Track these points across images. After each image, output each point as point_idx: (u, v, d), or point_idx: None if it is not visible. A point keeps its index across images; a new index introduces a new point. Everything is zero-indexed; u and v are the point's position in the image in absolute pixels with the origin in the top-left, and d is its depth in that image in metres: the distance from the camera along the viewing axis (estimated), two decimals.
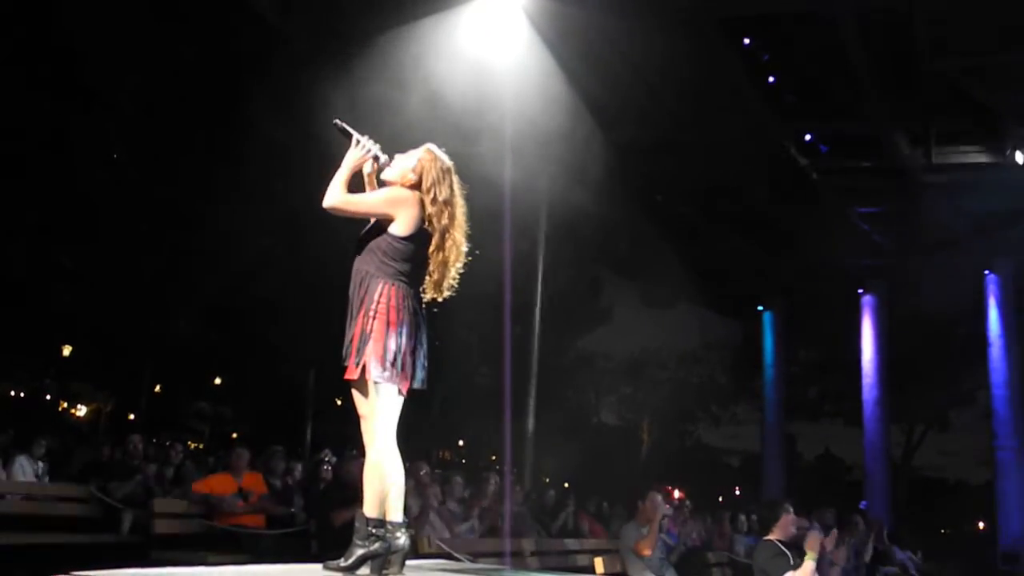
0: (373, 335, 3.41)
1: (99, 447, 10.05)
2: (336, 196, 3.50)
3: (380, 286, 3.46)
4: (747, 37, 12.12)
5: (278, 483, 8.25)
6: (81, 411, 29.03)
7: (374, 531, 3.43)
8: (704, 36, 11.50)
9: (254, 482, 7.58)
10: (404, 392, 3.51)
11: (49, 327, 18.99)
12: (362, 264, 3.53)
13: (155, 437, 16.91)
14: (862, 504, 17.34)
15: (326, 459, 9.96)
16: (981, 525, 27.83)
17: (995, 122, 13.69)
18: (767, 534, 6.25)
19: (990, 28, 11.44)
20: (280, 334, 16.49)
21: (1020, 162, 13.93)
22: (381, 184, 3.69)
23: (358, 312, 3.47)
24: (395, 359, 3.42)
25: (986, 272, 17.72)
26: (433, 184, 3.58)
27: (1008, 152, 14.08)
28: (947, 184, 14.98)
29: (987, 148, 14.50)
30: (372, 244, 3.54)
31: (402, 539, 3.46)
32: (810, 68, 12.94)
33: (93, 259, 16.40)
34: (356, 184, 3.64)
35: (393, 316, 3.44)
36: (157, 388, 26.02)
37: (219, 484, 7.42)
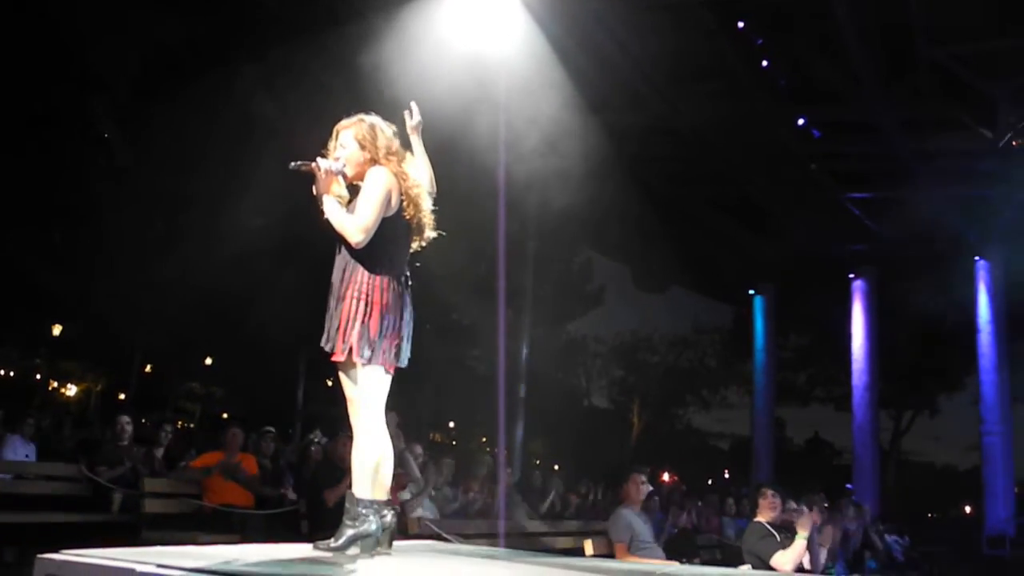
0: (359, 317, 3.42)
1: (89, 427, 10.05)
2: (355, 229, 3.44)
3: (363, 270, 3.46)
4: (741, 21, 12.08)
5: (268, 464, 8.27)
6: (71, 391, 28.99)
7: (364, 511, 3.44)
8: (697, 20, 11.47)
9: (246, 462, 7.60)
10: (391, 372, 3.53)
11: (39, 306, 18.94)
12: (346, 250, 3.52)
13: (145, 417, 16.89)
14: (848, 487, 17.46)
15: (316, 440, 9.97)
16: (968, 509, 28.05)
17: (988, 108, 13.69)
18: (754, 517, 6.32)
19: (984, 13, 11.43)
20: (271, 315, 16.47)
21: (1012, 148, 13.95)
22: (351, 188, 3.64)
23: (342, 297, 3.47)
24: (381, 340, 3.44)
25: (976, 259, 17.78)
26: (373, 141, 3.57)
27: (1000, 139, 14.08)
28: (939, 170, 15.00)
29: (979, 134, 14.51)
30: None
31: (388, 517, 3.49)
32: (804, 53, 12.91)
33: (84, 238, 16.35)
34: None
35: (377, 297, 3.44)
36: (148, 368, 26.01)
37: (213, 462, 7.44)
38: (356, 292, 3.44)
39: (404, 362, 3.56)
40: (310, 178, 3.56)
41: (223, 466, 7.38)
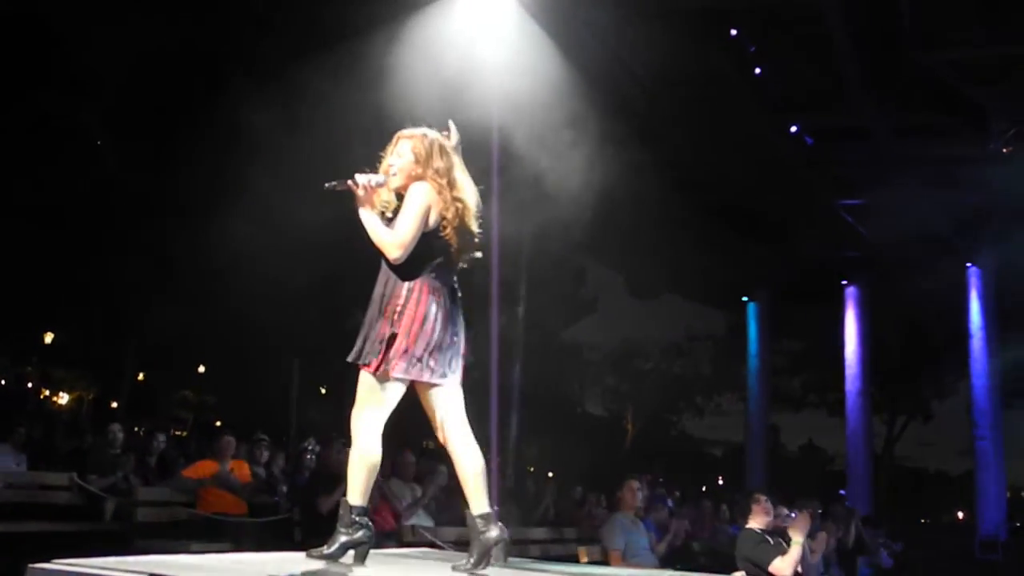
0: (397, 330, 3.40)
1: (81, 435, 10.02)
2: (393, 245, 3.42)
3: (406, 284, 3.44)
4: (734, 28, 12.13)
5: (262, 471, 8.25)
6: (63, 399, 28.88)
7: (358, 519, 3.43)
8: (690, 28, 11.50)
9: (239, 470, 7.58)
10: (456, 379, 3.53)
11: (31, 314, 18.87)
12: (387, 265, 3.50)
13: (138, 425, 16.84)
14: (841, 493, 17.49)
15: (310, 447, 9.95)
16: (960, 515, 28.13)
17: (979, 115, 13.76)
18: (746, 524, 6.32)
19: (975, 21, 11.50)
20: (265, 322, 16.44)
21: (1003, 155, 14.01)
22: (398, 196, 3.63)
23: (382, 312, 3.45)
24: (418, 354, 3.40)
25: (968, 265, 17.84)
26: (428, 158, 3.55)
27: (992, 146, 14.15)
28: (930, 177, 15.06)
29: (971, 141, 14.57)
30: None
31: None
32: (797, 60, 12.97)
33: (74, 245, 16.29)
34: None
35: (414, 311, 3.41)
36: (140, 376, 25.93)
37: (207, 470, 7.42)
38: (396, 306, 3.42)
39: (452, 376, 3.54)
40: (349, 195, 3.53)
41: (216, 475, 7.36)
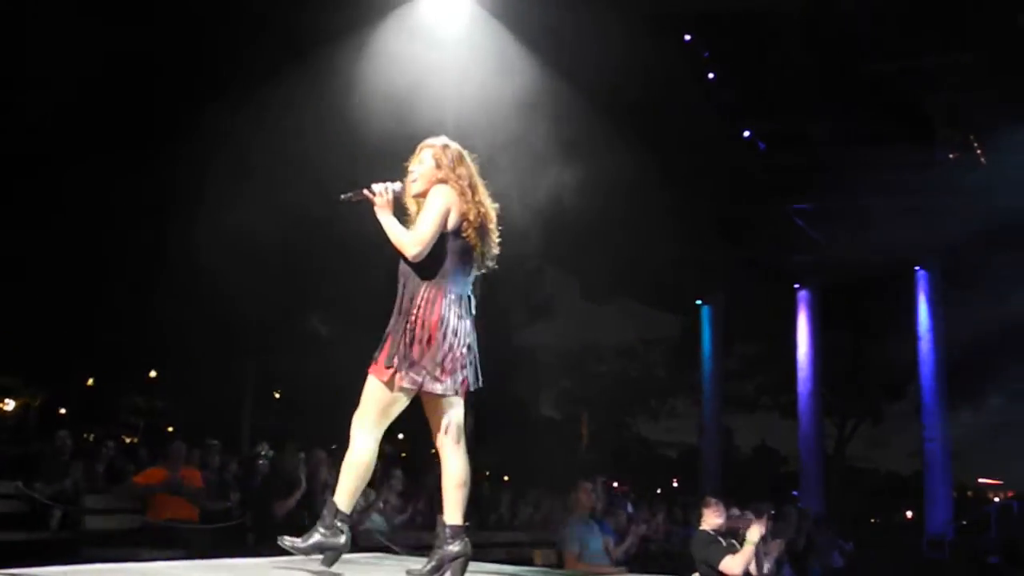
0: (411, 339, 3.38)
1: (27, 443, 9.81)
2: (411, 244, 3.43)
3: (422, 289, 3.43)
4: (688, 34, 12.25)
5: (214, 477, 8.14)
6: (9, 405, 28.24)
7: (340, 524, 3.40)
8: (645, 31, 11.59)
9: (191, 476, 7.48)
10: (460, 394, 3.50)
11: None
12: (404, 266, 3.49)
13: (87, 432, 16.51)
14: (794, 494, 17.71)
15: (263, 452, 9.84)
16: (909, 514, 28.58)
17: (928, 123, 14.05)
18: (700, 525, 6.38)
19: (926, 31, 11.73)
20: (217, 325, 16.23)
21: (950, 162, 14.32)
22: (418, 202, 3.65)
23: (398, 317, 3.45)
24: (432, 365, 3.38)
25: (916, 268, 18.19)
26: (449, 165, 3.59)
27: (939, 152, 14.45)
28: (881, 183, 15.33)
29: (920, 148, 14.86)
30: None
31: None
32: (750, 65, 13.12)
33: (21, 248, 15.94)
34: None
35: (435, 320, 3.40)
36: (89, 382, 25.45)
37: (157, 477, 7.31)
38: (412, 313, 3.41)
39: (474, 384, 3.54)
40: (368, 206, 3.56)
41: (167, 481, 7.25)
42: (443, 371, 3.40)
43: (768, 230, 17.33)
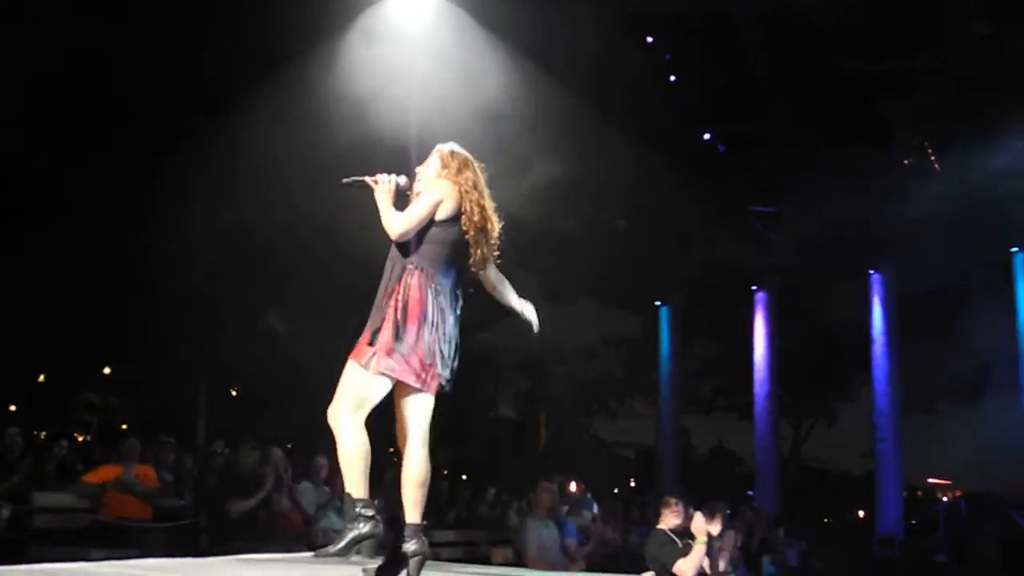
0: (391, 325, 3.38)
1: None
2: (398, 224, 3.47)
3: (406, 274, 3.44)
4: (650, 35, 12.31)
5: (168, 476, 8.02)
6: None
7: (362, 511, 3.34)
8: (607, 33, 11.63)
9: (144, 474, 7.36)
10: (430, 389, 3.47)
11: None
12: (394, 250, 3.52)
13: (38, 430, 16.20)
14: (750, 494, 17.89)
15: (219, 450, 9.72)
16: (861, 514, 28.99)
17: (886, 127, 14.25)
18: (657, 524, 6.41)
19: (886, 34, 11.89)
20: (173, 322, 16.03)
21: (906, 166, 14.54)
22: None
23: (381, 302, 3.45)
24: (408, 353, 3.37)
25: (871, 272, 18.45)
26: (454, 167, 3.66)
27: (896, 156, 14.67)
28: (838, 186, 15.52)
29: (877, 152, 15.07)
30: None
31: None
32: (711, 68, 13.23)
33: None
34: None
35: (416, 309, 3.39)
36: (41, 378, 24.98)
37: (109, 475, 7.19)
38: (394, 299, 3.41)
39: (446, 384, 3.52)
40: (369, 192, 3.59)
41: (119, 479, 7.13)
42: (419, 361, 3.39)
43: (727, 231, 17.47)
